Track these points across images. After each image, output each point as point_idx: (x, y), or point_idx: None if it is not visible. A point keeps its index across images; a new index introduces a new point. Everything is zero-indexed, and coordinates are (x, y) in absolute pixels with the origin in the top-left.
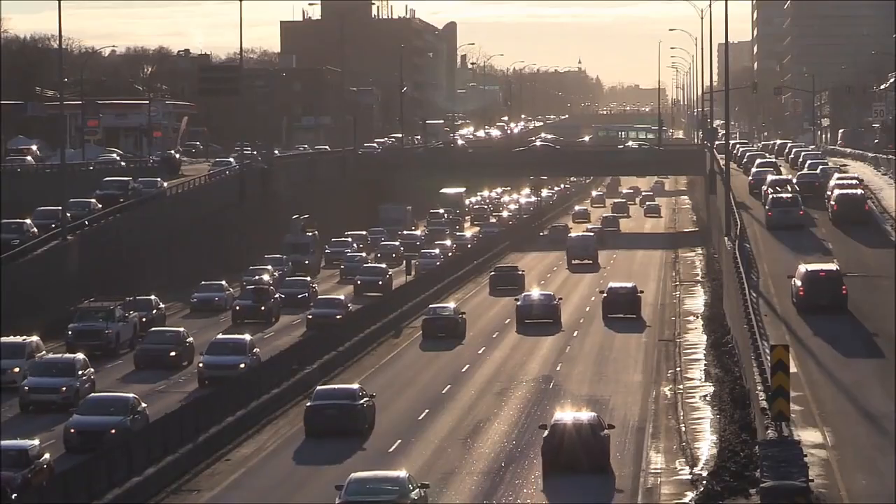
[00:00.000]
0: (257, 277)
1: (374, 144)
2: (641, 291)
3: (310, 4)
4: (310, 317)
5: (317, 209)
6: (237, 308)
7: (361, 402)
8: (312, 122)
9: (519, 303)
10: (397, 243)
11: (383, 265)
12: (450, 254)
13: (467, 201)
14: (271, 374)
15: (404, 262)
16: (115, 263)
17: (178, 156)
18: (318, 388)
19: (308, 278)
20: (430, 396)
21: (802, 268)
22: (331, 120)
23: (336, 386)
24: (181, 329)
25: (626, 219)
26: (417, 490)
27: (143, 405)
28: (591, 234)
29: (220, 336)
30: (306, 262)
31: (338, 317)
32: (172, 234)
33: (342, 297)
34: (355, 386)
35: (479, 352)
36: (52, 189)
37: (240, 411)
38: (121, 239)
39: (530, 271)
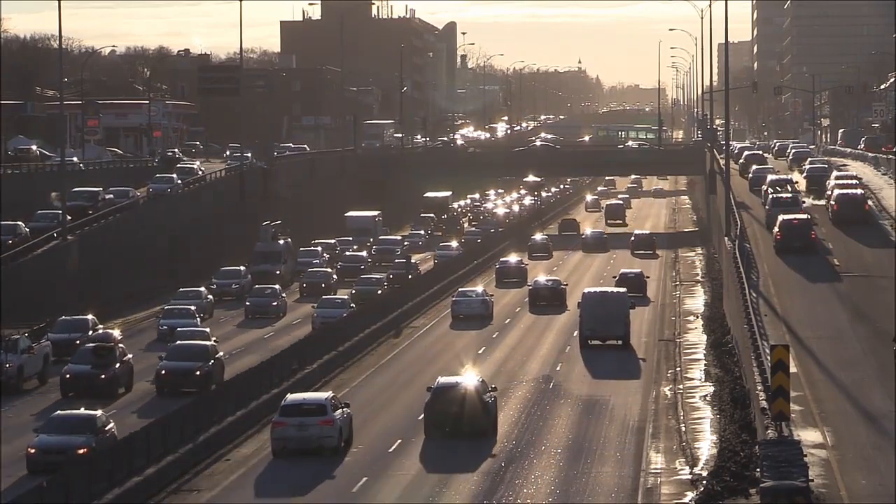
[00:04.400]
0: (102, 332)
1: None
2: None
3: (310, 4)
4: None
5: (315, 210)
6: (67, 376)
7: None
8: (312, 122)
9: (582, 236)
10: (330, 270)
11: (206, 330)
12: (380, 291)
13: (455, 205)
14: (272, 374)
15: (405, 261)
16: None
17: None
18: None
19: (208, 330)
20: None
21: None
22: (331, 120)
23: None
24: None
25: (637, 200)
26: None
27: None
28: (622, 201)
29: None
30: (277, 272)
31: (80, 451)
32: (174, 233)
33: (99, 412)
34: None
35: (480, 351)
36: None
37: (240, 411)
38: (121, 239)
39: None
